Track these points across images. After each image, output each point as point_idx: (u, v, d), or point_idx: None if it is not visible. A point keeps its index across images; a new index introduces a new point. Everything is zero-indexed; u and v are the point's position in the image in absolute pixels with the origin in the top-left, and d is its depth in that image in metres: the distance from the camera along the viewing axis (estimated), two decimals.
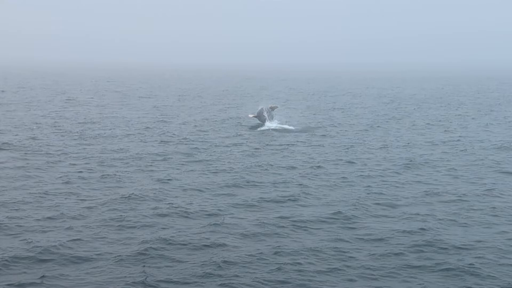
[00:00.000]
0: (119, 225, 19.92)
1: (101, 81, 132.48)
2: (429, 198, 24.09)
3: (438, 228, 20.10)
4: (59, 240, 18.15)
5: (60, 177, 26.83)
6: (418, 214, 21.71)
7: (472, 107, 67.11)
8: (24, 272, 15.87)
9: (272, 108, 48.06)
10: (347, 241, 18.70)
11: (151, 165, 30.01)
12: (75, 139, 38.12)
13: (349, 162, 31.66)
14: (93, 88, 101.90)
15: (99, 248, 17.71)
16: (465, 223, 20.74)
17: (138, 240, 18.48)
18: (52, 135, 39.92)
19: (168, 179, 26.83)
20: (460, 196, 24.33)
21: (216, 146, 36.66)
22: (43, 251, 17.14)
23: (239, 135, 42.10)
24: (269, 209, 22.22)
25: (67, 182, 25.85)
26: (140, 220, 20.57)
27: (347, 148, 36.14)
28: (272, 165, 30.45)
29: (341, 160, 32.23)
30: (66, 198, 23.27)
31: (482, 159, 32.59)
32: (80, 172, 28.04)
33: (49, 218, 20.59)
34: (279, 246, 18.04)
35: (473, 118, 54.66)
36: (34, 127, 43.79)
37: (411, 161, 31.75)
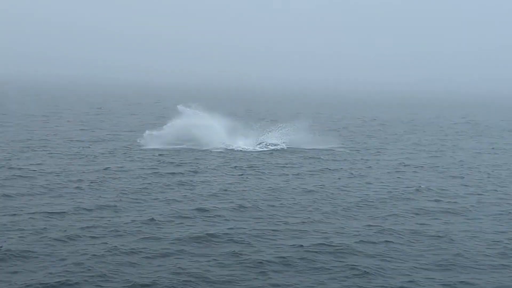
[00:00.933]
0: (121, 253, 18.48)
1: None
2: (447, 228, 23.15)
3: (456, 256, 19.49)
4: (60, 269, 16.76)
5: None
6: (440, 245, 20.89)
7: None
8: None
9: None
10: (364, 270, 17.77)
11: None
12: None
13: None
14: None
15: (106, 277, 16.35)
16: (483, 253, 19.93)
17: (146, 268, 17.24)
18: None
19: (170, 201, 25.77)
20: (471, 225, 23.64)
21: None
22: (44, 281, 15.72)
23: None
24: (281, 238, 20.98)
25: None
26: (146, 247, 19.15)
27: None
28: (273, 189, 29.18)
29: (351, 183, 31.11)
30: (57, 220, 21.77)
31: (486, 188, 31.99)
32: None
33: (40, 241, 19.10)
34: (301, 277, 17.02)
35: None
36: None
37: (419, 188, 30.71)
